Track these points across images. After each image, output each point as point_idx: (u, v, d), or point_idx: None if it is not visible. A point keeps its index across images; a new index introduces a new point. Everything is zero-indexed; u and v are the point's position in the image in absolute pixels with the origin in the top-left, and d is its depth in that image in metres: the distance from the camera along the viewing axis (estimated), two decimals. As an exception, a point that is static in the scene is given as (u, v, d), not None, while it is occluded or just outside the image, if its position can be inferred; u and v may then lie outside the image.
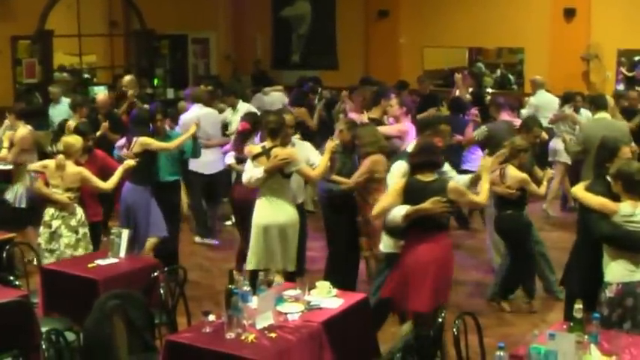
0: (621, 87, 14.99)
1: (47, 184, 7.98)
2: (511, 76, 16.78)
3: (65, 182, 7.93)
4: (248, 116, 9.04)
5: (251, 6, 19.01)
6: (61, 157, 7.98)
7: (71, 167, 7.97)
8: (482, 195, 6.65)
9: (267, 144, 7.54)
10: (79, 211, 8.02)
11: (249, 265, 7.55)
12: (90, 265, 7.00)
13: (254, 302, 5.63)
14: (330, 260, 8.44)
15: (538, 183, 8.17)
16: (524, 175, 7.94)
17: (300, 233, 7.82)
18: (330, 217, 8.44)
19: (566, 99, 12.22)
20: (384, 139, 8.40)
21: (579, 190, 6.47)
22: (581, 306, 5.06)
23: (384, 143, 8.23)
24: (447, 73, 16.98)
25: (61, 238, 7.87)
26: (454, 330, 5.27)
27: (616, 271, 5.98)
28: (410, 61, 16.67)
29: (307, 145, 8.33)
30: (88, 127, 9.06)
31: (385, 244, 7.06)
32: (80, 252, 7.86)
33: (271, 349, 5.20)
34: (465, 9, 16.31)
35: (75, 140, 8.13)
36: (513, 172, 7.92)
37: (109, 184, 8.07)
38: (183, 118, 10.64)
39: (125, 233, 7.34)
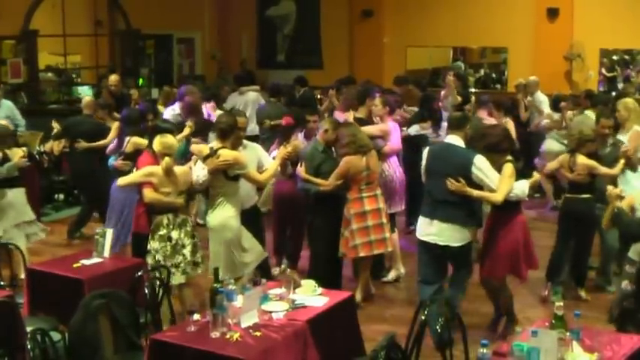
0: (602, 88, 15.09)
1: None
2: (494, 76, 16.85)
3: (178, 185, 7.43)
4: (292, 111, 9.30)
5: (236, 6, 19.00)
6: (167, 160, 7.31)
7: (178, 168, 7.53)
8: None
9: (215, 145, 7.47)
10: (188, 216, 7.63)
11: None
12: (75, 265, 7.00)
13: (239, 301, 5.66)
14: (311, 260, 8.44)
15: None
16: (593, 162, 8.25)
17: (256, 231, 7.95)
18: (309, 217, 8.50)
19: (557, 101, 12.24)
20: (368, 138, 8.45)
21: None
22: (562, 304, 5.12)
23: (363, 143, 8.21)
24: (430, 73, 17.09)
25: (184, 248, 7.37)
26: (437, 327, 5.32)
27: None
28: (393, 61, 16.72)
29: (258, 148, 8.31)
30: (170, 124, 8.62)
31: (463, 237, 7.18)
32: (199, 258, 7.50)
33: (256, 348, 5.22)
34: (449, 9, 16.38)
35: (172, 140, 7.53)
36: (582, 160, 8.25)
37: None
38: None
39: (109, 233, 7.34)
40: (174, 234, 7.31)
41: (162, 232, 7.29)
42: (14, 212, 9.00)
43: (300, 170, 8.22)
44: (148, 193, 7.32)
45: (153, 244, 7.30)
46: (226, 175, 7.39)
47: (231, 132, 7.53)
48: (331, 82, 13.28)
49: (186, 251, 7.35)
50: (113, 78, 12.91)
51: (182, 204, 7.44)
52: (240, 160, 7.43)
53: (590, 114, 10.21)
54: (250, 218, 7.91)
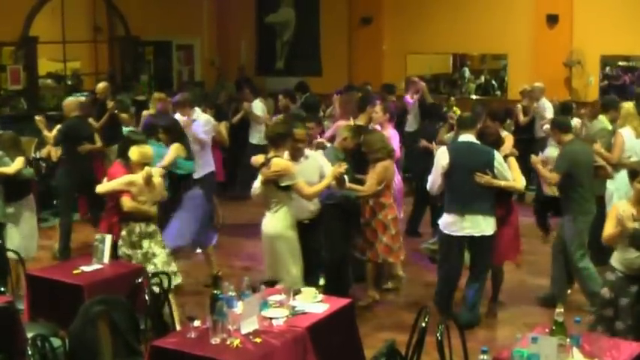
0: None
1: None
2: (495, 83, 16.85)
3: (155, 195, 7.62)
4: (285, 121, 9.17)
5: (235, 12, 19.02)
6: (148, 169, 7.53)
7: (157, 178, 7.69)
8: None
9: (270, 154, 7.35)
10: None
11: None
12: (75, 271, 6.99)
13: (239, 307, 5.67)
14: (327, 267, 8.25)
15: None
16: None
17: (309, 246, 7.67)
18: (329, 223, 8.17)
19: (566, 109, 12.20)
20: None
21: None
22: (562, 310, 5.12)
23: (391, 148, 8.53)
24: (431, 79, 17.10)
25: (156, 257, 7.48)
26: (437, 334, 5.32)
27: None
28: (393, 68, 16.73)
29: (321, 158, 7.99)
30: (139, 135, 8.74)
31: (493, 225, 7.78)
32: (174, 268, 7.60)
33: (256, 354, 5.23)
34: (449, 16, 16.38)
35: (149, 150, 7.76)
36: None
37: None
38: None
39: (109, 239, 7.33)
40: (145, 243, 7.47)
41: (134, 239, 7.47)
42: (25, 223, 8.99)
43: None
44: (127, 202, 7.47)
45: (125, 251, 7.47)
46: (277, 185, 7.23)
47: (280, 140, 7.36)
48: (330, 89, 13.30)
49: (157, 261, 7.44)
50: (100, 86, 12.98)
51: (155, 214, 7.59)
52: (289, 170, 7.23)
53: (604, 119, 10.26)
54: (302, 231, 7.57)
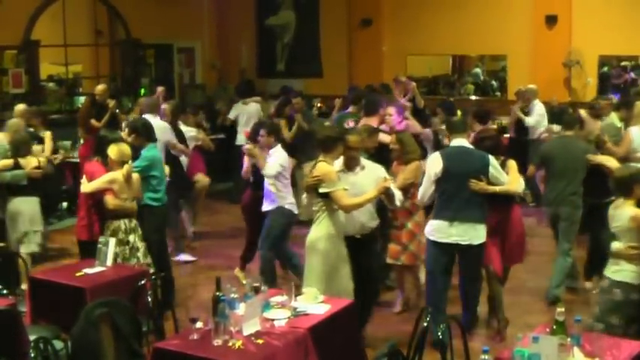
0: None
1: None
2: (494, 83, 16.89)
3: (133, 191, 7.85)
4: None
5: (236, 15, 19.04)
6: (128, 166, 7.74)
7: (135, 175, 7.94)
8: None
9: (319, 159, 7.02)
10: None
11: None
12: (77, 274, 7.02)
13: (241, 309, 5.68)
14: None
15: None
16: None
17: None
18: None
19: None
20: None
21: None
22: (563, 309, 5.14)
23: (419, 149, 8.54)
24: (430, 81, 17.17)
25: (138, 251, 7.73)
26: (439, 334, 5.33)
27: None
28: (393, 69, 16.73)
29: (380, 170, 7.40)
30: (116, 134, 8.85)
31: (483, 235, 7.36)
32: (149, 259, 7.84)
33: (258, 355, 5.24)
34: (448, 17, 16.40)
35: (127, 148, 7.93)
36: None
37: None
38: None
39: (112, 242, 7.36)
40: (131, 238, 7.69)
41: (121, 236, 7.63)
42: (23, 221, 9.06)
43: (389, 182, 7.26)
44: (111, 200, 7.67)
45: (117, 248, 7.54)
46: (317, 192, 6.91)
47: (330, 144, 6.98)
48: (331, 91, 13.35)
49: (140, 254, 7.72)
50: (100, 88, 13.04)
51: (135, 209, 7.85)
52: (329, 176, 6.83)
53: (614, 116, 10.36)
54: (352, 247, 7.12)
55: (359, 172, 7.27)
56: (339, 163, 7.21)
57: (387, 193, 7.01)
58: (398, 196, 7.26)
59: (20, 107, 11.32)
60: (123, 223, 7.68)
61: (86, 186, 7.93)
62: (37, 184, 9.27)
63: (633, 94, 13.10)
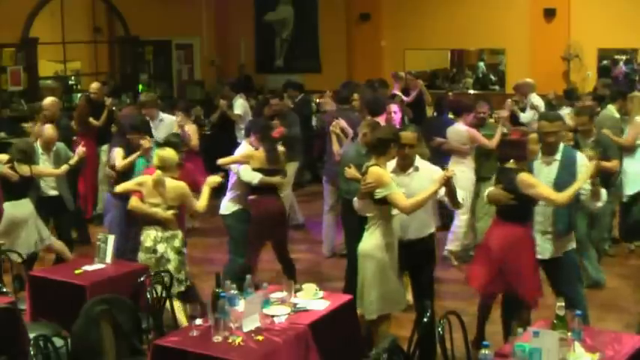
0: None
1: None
2: (493, 77, 16.88)
3: (166, 199, 7.42)
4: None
5: (234, 11, 19.04)
6: (158, 172, 7.41)
7: (171, 182, 7.47)
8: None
9: (370, 162, 6.49)
10: (180, 232, 7.57)
11: None
12: (77, 271, 7.02)
13: (241, 305, 5.68)
14: (349, 264, 7.89)
15: None
16: None
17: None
18: (351, 219, 7.65)
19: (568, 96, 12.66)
20: None
21: None
22: (563, 304, 5.13)
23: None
24: (429, 75, 17.15)
25: (169, 262, 7.34)
26: (439, 329, 5.33)
27: None
28: (392, 64, 16.74)
29: (436, 172, 6.65)
30: (178, 138, 8.73)
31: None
32: (182, 275, 7.44)
33: (258, 352, 5.24)
34: (446, 11, 16.42)
35: (169, 154, 7.54)
36: None
37: (202, 205, 7.58)
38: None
39: (111, 239, 7.35)
40: (160, 247, 7.35)
41: (149, 244, 7.37)
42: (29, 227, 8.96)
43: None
44: (132, 201, 7.49)
45: (140, 256, 7.42)
46: (373, 199, 6.44)
47: (381, 147, 6.46)
48: (330, 86, 13.32)
49: (171, 267, 7.30)
50: (94, 85, 12.94)
51: (170, 218, 7.43)
52: (381, 179, 6.30)
53: (612, 108, 10.47)
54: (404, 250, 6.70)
55: (412, 173, 6.73)
56: (391, 165, 6.70)
57: (449, 186, 6.42)
58: (461, 193, 6.69)
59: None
60: (154, 231, 7.39)
61: (118, 186, 7.94)
62: (29, 184, 9.14)
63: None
